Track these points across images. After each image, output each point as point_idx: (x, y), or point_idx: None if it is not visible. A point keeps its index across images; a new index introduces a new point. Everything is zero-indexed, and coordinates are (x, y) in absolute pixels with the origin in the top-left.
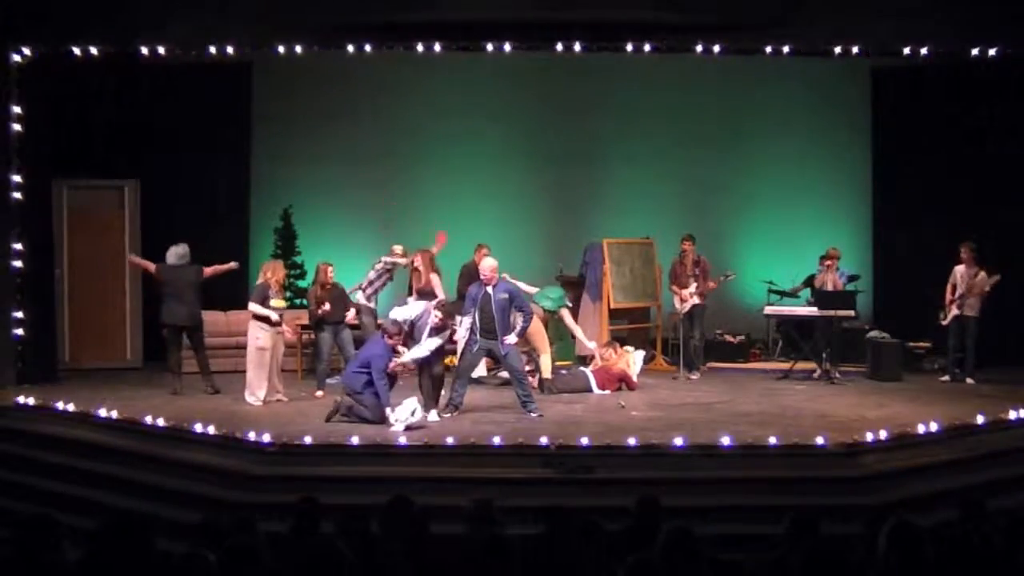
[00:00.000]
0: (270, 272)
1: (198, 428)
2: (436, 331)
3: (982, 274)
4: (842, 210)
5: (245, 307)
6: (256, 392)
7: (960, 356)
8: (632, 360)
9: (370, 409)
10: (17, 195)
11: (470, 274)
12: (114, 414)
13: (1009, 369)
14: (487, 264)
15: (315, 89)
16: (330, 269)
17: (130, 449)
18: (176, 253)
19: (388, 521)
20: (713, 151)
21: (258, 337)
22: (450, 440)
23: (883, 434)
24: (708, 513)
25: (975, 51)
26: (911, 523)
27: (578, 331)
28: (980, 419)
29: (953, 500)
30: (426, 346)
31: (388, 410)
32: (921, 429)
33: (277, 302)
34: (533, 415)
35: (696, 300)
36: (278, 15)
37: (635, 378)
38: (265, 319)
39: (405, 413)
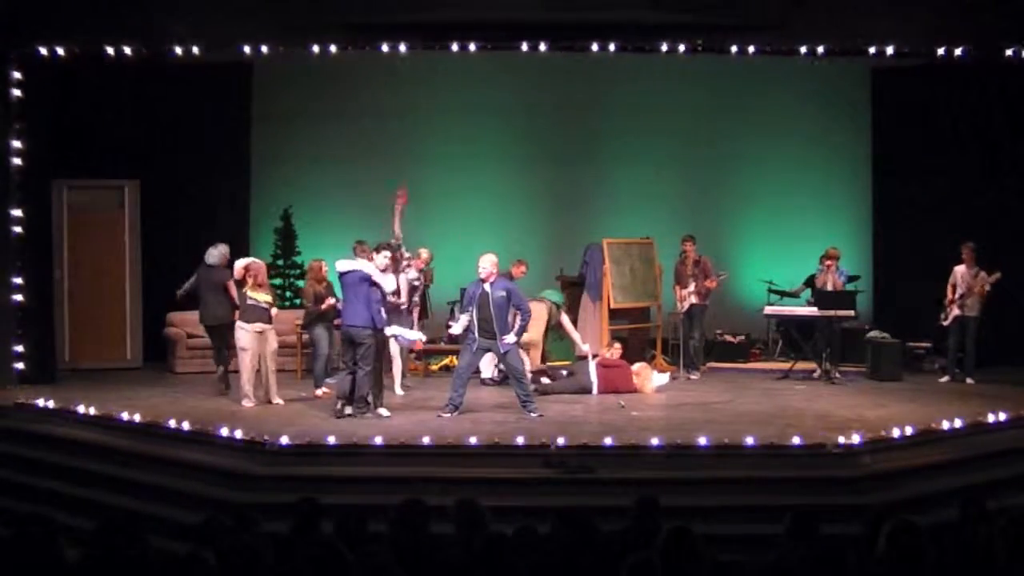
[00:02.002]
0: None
1: (199, 428)
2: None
3: (982, 274)
4: (842, 210)
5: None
6: (246, 394)
7: (960, 356)
8: (649, 377)
9: (365, 355)
10: (17, 195)
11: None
12: (113, 414)
13: (1009, 369)
14: (487, 259)
15: (315, 89)
16: (324, 265)
17: (129, 449)
18: (210, 253)
19: (400, 523)
20: (713, 151)
21: (240, 339)
22: (450, 440)
23: (883, 434)
24: (708, 513)
25: (976, 52)
26: (911, 523)
27: (576, 336)
28: (980, 419)
29: (953, 500)
30: (386, 282)
31: (387, 328)
32: (920, 429)
33: (257, 294)
34: (533, 415)
35: (694, 300)
36: (291, 16)
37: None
38: (251, 311)
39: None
